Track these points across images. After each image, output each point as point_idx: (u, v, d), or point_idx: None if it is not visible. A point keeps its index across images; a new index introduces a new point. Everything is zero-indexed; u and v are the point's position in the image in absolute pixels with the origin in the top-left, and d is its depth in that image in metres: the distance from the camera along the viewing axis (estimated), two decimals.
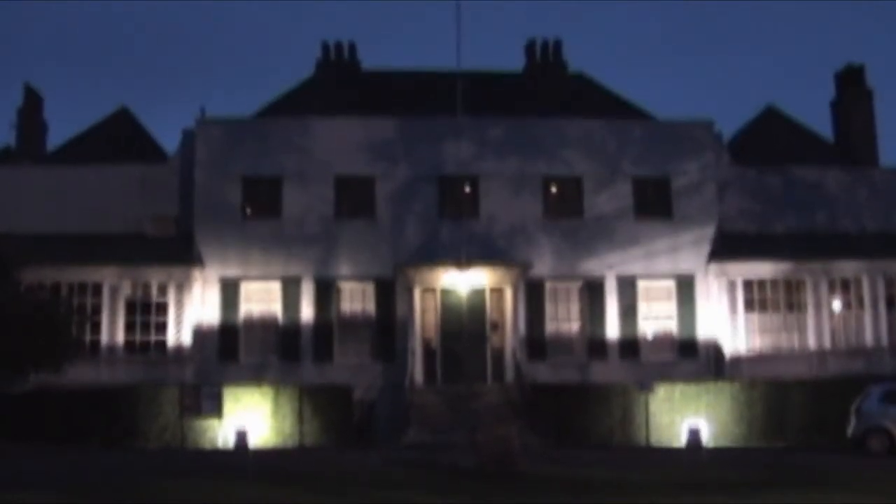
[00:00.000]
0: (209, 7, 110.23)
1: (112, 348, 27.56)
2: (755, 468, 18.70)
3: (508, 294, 28.44)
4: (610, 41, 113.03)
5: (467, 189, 29.35)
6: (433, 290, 28.63)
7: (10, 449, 22.55)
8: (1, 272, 23.41)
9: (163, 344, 27.86)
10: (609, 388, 25.82)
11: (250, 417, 24.51)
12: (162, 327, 27.95)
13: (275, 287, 28.64)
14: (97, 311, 27.56)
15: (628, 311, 28.96)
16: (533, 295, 28.75)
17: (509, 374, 27.70)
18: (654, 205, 29.66)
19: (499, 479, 16.50)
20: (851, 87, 34.47)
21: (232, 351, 28.21)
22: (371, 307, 28.72)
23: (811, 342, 28.64)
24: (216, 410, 24.51)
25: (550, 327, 28.89)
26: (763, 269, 28.88)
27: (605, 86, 35.49)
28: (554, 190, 29.73)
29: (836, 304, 29.00)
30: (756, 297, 28.86)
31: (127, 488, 15.58)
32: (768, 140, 34.13)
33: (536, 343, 28.59)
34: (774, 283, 28.95)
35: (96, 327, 27.48)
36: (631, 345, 28.83)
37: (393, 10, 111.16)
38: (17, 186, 29.46)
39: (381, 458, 20.69)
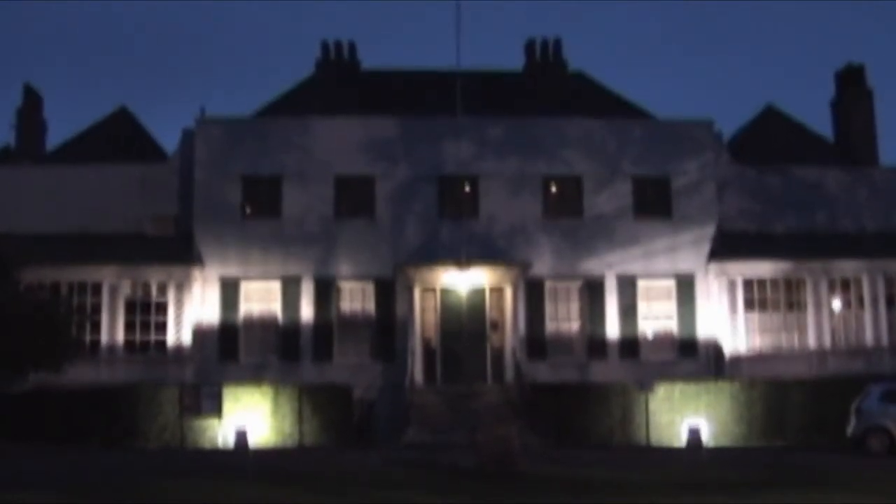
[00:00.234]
0: (209, 7, 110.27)
1: (112, 348, 27.56)
2: (755, 468, 18.70)
3: (508, 294, 28.44)
4: (610, 41, 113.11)
5: (467, 189, 29.34)
6: (433, 290, 28.63)
7: (9, 449, 22.56)
8: (1, 272, 23.39)
9: (162, 343, 27.85)
10: (609, 387, 25.81)
11: (250, 417, 24.52)
12: (162, 327, 27.95)
13: (274, 287, 28.64)
14: (97, 310, 27.56)
15: (628, 311, 28.95)
16: (533, 294, 28.75)
17: (509, 374, 27.70)
18: (654, 204, 29.64)
19: (499, 479, 16.49)
20: (851, 86, 34.46)
21: (232, 350, 28.21)
22: (371, 307, 28.72)
23: (811, 342, 28.63)
24: (216, 410, 24.52)
25: (550, 327, 28.89)
26: (763, 269, 28.87)
27: (605, 85, 35.49)
28: (554, 189, 29.72)
29: (836, 304, 29.00)
30: (756, 297, 28.85)
31: (127, 488, 15.58)
32: (768, 140, 34.12)
33: (536, 343, 28.58)
34: (774, 282, 28.95)
35: (96, 327, 27.48)
36: (631, 344, 28.83)
37: (393, 10, 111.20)
38: (17, 186, 29.47)
39: (380, 457, 20.69)
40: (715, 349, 28.68)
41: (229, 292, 28.44)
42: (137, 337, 27.84)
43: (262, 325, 28.61)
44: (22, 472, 18.07)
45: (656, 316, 29.18)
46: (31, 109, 34.07)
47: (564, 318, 29.10)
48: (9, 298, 22.53)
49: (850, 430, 22.46)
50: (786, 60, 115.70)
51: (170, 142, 39.62)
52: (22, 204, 29.03)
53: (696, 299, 29.06)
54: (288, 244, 28.74)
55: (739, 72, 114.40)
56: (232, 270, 28.52)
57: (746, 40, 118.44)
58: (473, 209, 29.26)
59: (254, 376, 27.19)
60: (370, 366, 28.21)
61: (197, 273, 28.22)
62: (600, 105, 33.27)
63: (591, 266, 29.10)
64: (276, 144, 29.33)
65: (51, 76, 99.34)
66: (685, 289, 29.14)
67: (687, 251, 29.29)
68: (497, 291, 28.67)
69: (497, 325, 28.56)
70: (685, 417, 24.57)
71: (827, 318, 28.80)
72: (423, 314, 28.44)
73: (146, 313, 27.99)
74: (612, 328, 28.83)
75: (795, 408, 25.26)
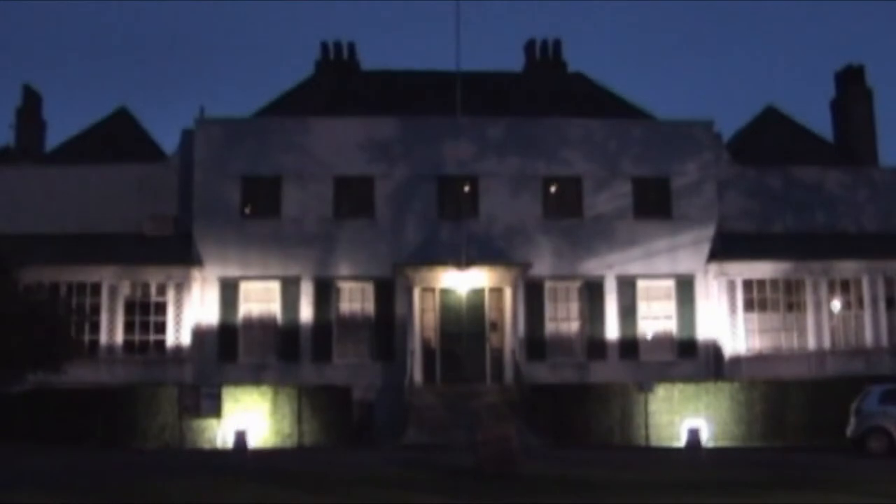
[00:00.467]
0: (209, 7, 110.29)
1: (111, 348, 27.54)
2: (755, 468, 18.68)
3: (508, 294, 28.41)
4: (610, 41, 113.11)
5: (467, 189, 29.31)
6: (432, 290, 28.60)
7: (9, 449, 22.53)
8: (0, 272, 23.36)
9: (162, 344, 27.83)
10: (608, 388, 25.81)
11: (249, 417, 24.49)
12: (161, 327, 27.93)
13: (274, 287, 28.62)
14: (96, 310, 27.54)
15: (628, 311, 28.93)
16: (532, 295, 28.73)
17: (508, 374, 27.67)
18: (654, 205, 29.62)
19: (498, 479, 16.47)
20: (851, 86, 34.47)
21: (231, 351, 28.19)
22: (370, 307, 28.70)
23: (811, 342, 28.61)
24: (215, 410, 24.50)
25: (550, 327, 28.87)
26: (763, 269, 28.85)
27: (605, 86, 35.50)
28: (553, 190, 29.69)
29: (836, 304, 28.97)
30: (756, 297, 28.83)
31: (126, 488, 15.57)
32: (768, 140, 34.11)
33: (536, 343, 28.56)
34: (774, 283, 28.93)
35: (95, 327, 27.47)
36: (630, 345, 28.80)
37: (393, 10, 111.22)
38: (17, 186, 29.46)
39: (380, 458, 20.68)
40: (714, 350, 28.67)
41: (229, 292, 28.42)
42: (136, 337, 27.83)
43: (262, 326, 28.60)
44: (21, 472, 18.05)
45: (656, 316, 29.16)
46: (30, 110, 34.10)
47: (564, 319, 29.08)
48: (8, 299, 22.49)
49: (849, 430, 22.44)
50: (786, 60, 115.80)
51: (169, 142, 39.73)
52: (21, 204, 29.04)
53: (696, 300, 29.04)
54: (287, 244, 28.71)
55: (739, 72, 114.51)
56: (231, 271, 28.51)
57: (746, 40, 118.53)
58: (473, 209, 29.24)
59: (253, 377, 27.18)
60: (369, 366, 28.20)
61: (196, 273, 28.20)
62: (600, 105, 33.27)
63: (591, 266, 29.08)
64: (275, 144, 29.30)
65: (51, 76, 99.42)
66: (685, 289, 29.12)
67: (687, 251, 29.27)
68: (496, 292, 28.64)
69: (496, 326, 28.53)
70: (685, 418, 24.55)
71: (827, 319, 28.78)
72: (423, 314, 28.41)
73: (145, 313, 27.98)
74: (612, 329, 28.81)
75: (795, 408, 25.26)
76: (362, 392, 26.60)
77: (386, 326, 28.45)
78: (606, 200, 29.51)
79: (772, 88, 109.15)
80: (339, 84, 34.49)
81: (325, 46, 35.84)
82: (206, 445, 24.65)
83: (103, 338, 27.53)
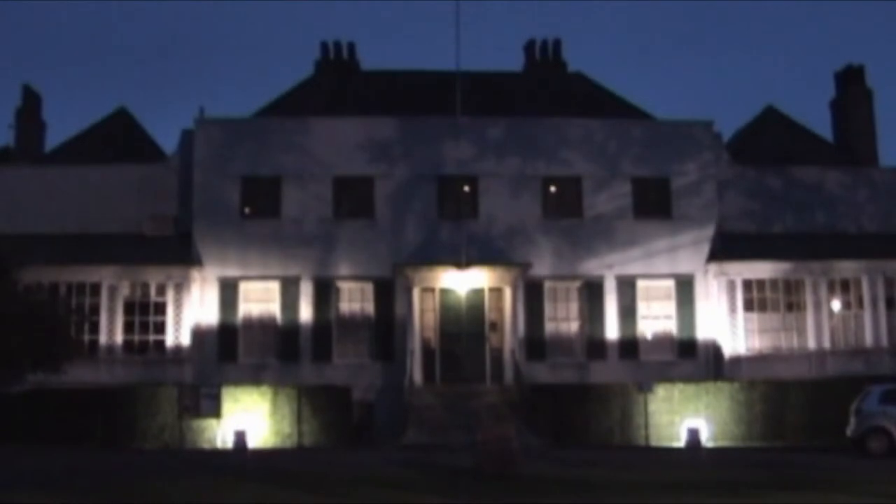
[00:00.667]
0: (209, 7, 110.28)
1: (111, 348, 27.54)
2: (754, 469, 18.68)
3: (507, 294, 28.40)
4: (610, 41, 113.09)
5: (466, 189, 29.30)
6: (432, 290, 28.60)
7: (8, 449, 22.53)
8: None
9: (161, 344, 27.82)
10: (608, 388, 25.81)
11: (249, 418, 24.47)
12: (160, 327, 27.92)
13: (273, 287, 28.62)
14: (96, 311, 27.54)
15: (628, 311, 28.92)
16: (532, 295, 28.72)
17: (508, 375, 27.66)
18: (654, 205, 29.61)
19: (498, 479, 16.47)
20: (851, 86, 34.46)
21: (230, 351, 28.18)
22: (370, 307, 28.69)
23: (811, 342, 28.61)
24: (215, 411, 24.47)
25: (549, 327, 28.86)
26: (762, 270, 28.85)
27: (605, 86, 35.46)
28: (553, 190, 29.68)
29: (836, 305, 28.97)
30: (755, 298, 28.83)
31: (125, 488, 15.57)
32: (768, 140, 34.10)
33: (535, 343, 28.55)
34: (774, 283, 28.92)
35: (95, 327, 27.46)
36: (630, 345, 28.80)
37: (393, 10, 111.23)
38: (16, 187, 29.47)
39: (380, 458, 20.68)
40: (714, 350, 28.66)
41: (228, 293, 28.42)
42: (136, 337, 27.83)
43: (261, 326, 28.59)
44: (21, 472, 18.04)
45: (656, 316, 29.16)
46: (30, 110, 34.06)
47: (564, 319, 29.08)
48: (8, 299, 22.48)
49: (849, 430, 22.42)
50: (786, 60, 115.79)
51: (169, 142, 39.65)
52: (21, 204, 29.04)
53: (696, 300, 29.03)
54: (287, 244, 28.71)
55: (739, 72, 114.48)
56: (231, 271, 28.50)
57: (746, 40, 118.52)
58: (473, 209, 29.23)
59: (253, 377, 27.17)
60: (369, 366, 28.20)
61: (196, 273, 28.20)
62: (600, 105, 33.26)
63: (591, 266, 29.07)
64: (275, 145, 29.29)
65: (50, 76, 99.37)
66: (685, 289, 29.11)
67: (686, 252, 29.26)
68: (496, 292, 28.64)
69: (496, 326, 28.53)
70: (684, 418, 24.54)
71: (826, 319, 28.77)
72: (423, 315, 28.40)
73: (145, 314, 27.97)
74: (612, 329, 28.81)
75: (795, 408, 25.27)
76: (362, 392, 26.60)
77: (386, 326, 28.44)
78: (606, 200, 29.51)
79: (772, 88, 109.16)
80: (339, 84, 34.48)
81: (325, 46, 35.84)
82: (206, 446, 24.65)
83: (103, 338, 27.53)
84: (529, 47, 36.59)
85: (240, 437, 23.60)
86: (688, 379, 26.84)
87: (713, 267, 28.91)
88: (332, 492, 15.33)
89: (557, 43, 36.39)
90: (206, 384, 25.62)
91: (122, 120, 35.09)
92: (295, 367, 27.96)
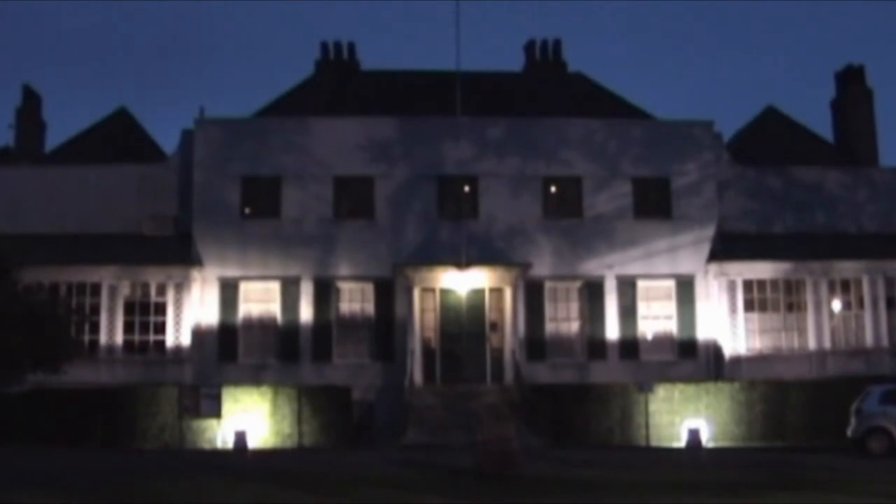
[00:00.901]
0: (209, 7, 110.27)
1: (111, 348, 27.53)
2: (755, 469, 18.67)
3: (508, 294, 28.39)
4: (610, 41, 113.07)
5: (467, 189, 29.29)
6: (432, 291, 28.59)
7: (8, 449, 22.51)
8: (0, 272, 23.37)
9: (161, 344, 27.82)
10: (608, 388, 25.80)
11: (249, 418, 24.49)
12: (160, 327, 27.91)
13: (274, 287, 28.61)
14: (96, 311, 27.53)
15: (628, 312, 28.92)
16: (532, 295, 28.71)
17: (508, 375, 27.65)
18: (654, 205, 29.61)
19: (498, 479, 16.45)
20: (851, 87, 34.46)
21: (231, 351, 28.17)
22: (370, 307, 28.69)
23: (811, 342, 28.60)
24: (215, 411, 24.46)
25: (550, 327, 28.86)
26: (763, 270, 28.84)
27: (605, 86, 35.45)
28: (553, 190, 29.68)
29: (836, 305, 28.95)
30: (756, 298, 28.82)
31: (125, 489, 15.55)
32: (768, 140, 34.09)
33: (536, 343, 28.54)
34: (774, 283, 28.92)
35: (95, 327, 27.46)
36: (630, 345, 28.79)
37: (393, 10, 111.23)
38: (16, 187, 29.48)
39: (380, 458, 20.67)
40: (715, 350, 28.65)
41: (228, 293, 28.41)
42: (136, 337, 27.82)
43: (262, 326, 28.58)
44: (21, 472, 18.03)
45: (656, 316, 29.15)
46: (30, 110, 34.08)
47: (564, 319, 29.07)
48: (8, 299, 22.48)
49: (849, 431, 22.40)
50: (786, 61, 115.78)
51: (169, 142, 39.58)
52: (21, 204, 29.05)
53: (696, 300, 29.03)
54: (287, 245, 28.70)
55: (739, 72, 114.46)
56: (231, 271, 28.49)
57: (746, 40, 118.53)
58: (473, 209, 29.22)
59: (253, 377, 27.17)
60: (369, 366, 28.20)
61: (196, 274, 28.19)
62: (600, 105, 33.24)
63: (591, 267, 29.07)
64: (275, 145, 29.29)
65: (50, 76, 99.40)
66: (685, 289, 29.11)
67: (687, 252, 29.25)
68: (496, 292, 28.63)
69: (496, 326, 28.52)
70: (685, 418, 24.56)
71: (827, 319, 28.77)
72: (423, 315, 28.40)
73: (145, 314, 27.97)
74: (612, 329, 28.80)
75: (795, 409, 25.26)
76: (362, 392, 26.59)
77: (386, 327, 28.44)
78: (606, 200, 29.50)
79: (772, 88, 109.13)
80: (339, 84, 34.47)
81: (325, 46, 35.83)
82: (206, 446, 24.63)
83: (103, 338, 27.52)
84: (529, 47, 36.59)
85: (240, 438, 23.65)
86: (688, 379, 26.84)
87: (713, 267, 28.90)
88: (332, 492, 15.32)
89: (557, 43, 36.39)
90: (206, 384, 25.62)
91: (122, 120, 35.09)
92: (295, 368, 27.95)
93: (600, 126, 30.15)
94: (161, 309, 28.02)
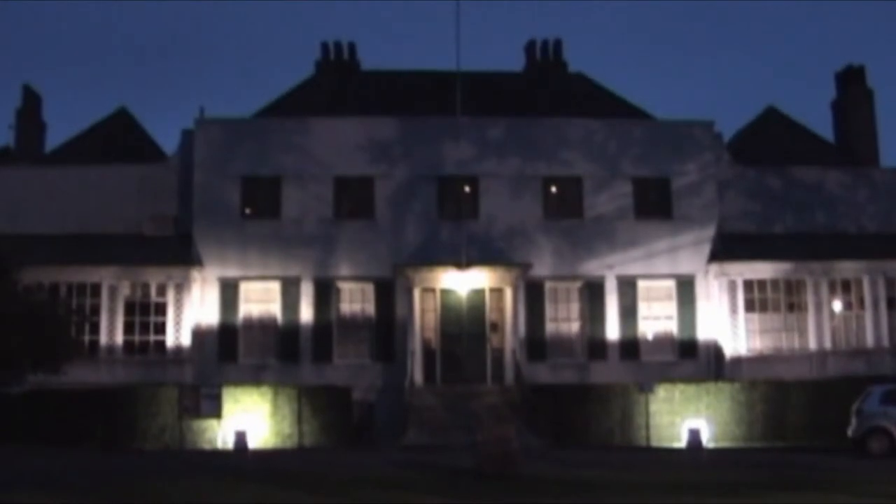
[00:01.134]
0: (209, 8, 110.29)
1: (111, 349, 27.52)
2: (755, 469, 18.65)
3: (508, 294, 28.38)
4: (610, 41, 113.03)
5: (467, 189, 29.29)
6: (433, 291, 28.58)
7: (8, 449, 22.51)
8: (0, 273, 23.35)
9: (162, 344, 27.81)
10: (609, 388, 25.79)
11: (249, 418, 24.48)
12: (161, 328, 27.90)
13: (274, 287, 28.60)
14: (96, 311, 27.52)
15: (628, 312, 28.90)
16: (533, 295, 28.70)
17: (509, 375, 27.63)
18: (655, 205, 29.60)
19: (498, 480, 16.45)
20: (852, 87, 34.44)
21: (231, 351, 28.16)
22: (370, 308, 28.68)
23: (811, 343, 28.58)
24: (215, 411, 24.46)
25: (550, 328, 28.84)
26: (763, 270, 28.82)
27: (606, 86, 35.44)
28: (554, 190, 29.67)
29: (837, 305, 28.94)
30: (756, 298, 28.81)
31: (125, 489, 15.54)
32: (769, 140, 34.08)
33: (536, 344, 28.53)
34: (775, 283, 28.90)
35: (95, 328, 27.45)
36: (631, 345, 28.78)
37: (393, 10, 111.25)
38: (16, 187, 29.47)
39: (380, 459, 20.66)
40: (715, 350, 28.64)
41: (228, 293, 28.40)
42: (136, 338, 27.81)
43: (262, 326, 28.58)
44: (21, 472, 18.02)
45: (656, 317, 29.14)
46: (30, 110, 34.06)
47: (564, 319, 29.06)
48: (8, 299, 22.47)
49: (850, 431, 22.39)
50: (786, 61, 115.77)
51: (169, 143, 39.63)
52: (21, 205, 29.04)
53: (697, 300, 29.01)
54: (287, 245, 28.69)
55: (740, 72, 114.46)
56: (231, 271, 28.49)
57: (746, 40, 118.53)
58: (473, 210, 29.22)
59: (253, 377, 27.15)
60: (370, 367, 28.18)
61: (196, 274, 28.18)
62: (600, 106, 33.23)
63: (592, 267, 29.06)
64: (275, 145, 29.29)
65: (50, 77, 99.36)
66: (685, 290, 29.10)
67: (687, 252, 29.24)
68: (497, 292, 28.62)
69: (497, 326, 28.50)
70: (685, 418, 24.55)
71: (827, 320, 28.75)
72: (423, 315, 28.38)
73: (145, 314, 27.96)
74: (613, 329, 28.78)
75: (796, 409, 25.26)
76: (362, 393, 26.57)
77: (386, 327, 28.43)
78: (607, 201, 29.49)
79: (772, 89, 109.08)
80: (339, 84, 34.47)
81: (325, 46, 35.82)
82: (207, 446, 24.62)
83: (103, 338, 27.51)
84: (530, 47, 36.57)
85: (240, 438, 23.65)
86: (689, 379, 26.82)
87: (714, 267, 28.89)
88: (332, 492, 15.31)
89: (558, 43, 36.37)
90: (206, 384, 25.61)
91: (122, 120, 35.09)
92: (295, 368, 27.94)
93: (600, 126, 30.14)
94: (161, 309, 28.01)
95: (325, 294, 28.54)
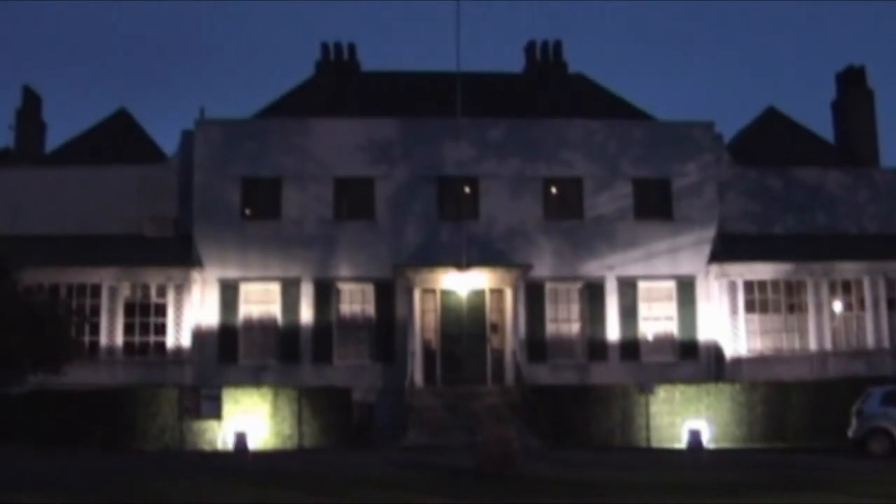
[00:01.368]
0: (209, 8, 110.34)
1: (111, 350, 27.50)
2: (756, 470, 18.65)
3: (508, 295, 28.37)
4: (610, 42, 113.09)
5: (467, 190, 29.28)
6: (433, 292, 28.57)
7: (8, 450, 22.51)
8: (0, 273, 23.35)
9: (162, 345, 27.79)
10: (609, 389, 25.78)
11: (249, 419, 24.47)
12: (161, 329, 27.88)
13: (274, 288, 28.59)
14: (96, 312, 27.50)
15: (629, 313, 28.88)
16: (533, 296, 28.68)
17: (509, 376, 27.62)
18: (655, 206, 29.58)
19: (498, 480, 16.45)
20: (852, 87, 34.42)
21: (231, 352, 28.14)
22: (370, 308, 28.66)
23: (812, 344, 28.56)
24: (215, 412, 24.45)
25: (550, 329, 28.82)
26: (764, 271, 28.81)
27: (606, 86, 35.44)
28: (554, 191, 29.66)
29: (837, 306, 28.93)
30: (757, 299, 28.79)
31: (125, 489, 15.54)
32: (769, 141, 34.07)
33: (536, 344, 28.51)
34: (775, 284, 28.88)
35: (95, 328, 27.42)
36: (631, 346, 28.76)
37: (393, 11, 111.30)
38: (16, 187, 29.46)
39: (380, 459, 20.65)
40: (716, 351, 28.62)
41: (229, 294, 28.39)
42: (136, 339, 27.79)
43: (262, 327, 28.56)
44: (21, 473, 18.02)
45: (657, 318, 29.12)
46: (30, 111, 34.05)
47: (565, 320, 29.04)
48: (8, 300, 22.47)
49: (850, 432, 22.41)
50: (786, 61, 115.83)
51: (169, 143, 39.61)
52: (21, 205, 29.03)
53: (697, 301, 28.99)
54: (287, 246, 28.68)
55: (740, 73, 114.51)
56: (231, 272, 28.47)
57: (746, 41, 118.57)
58: (473, 211, 29.21)
59: (253, 378, 27.14)
60: (370, 368, 28.16)
61: (196, 275, 28.17)
62: (601, 106, 33.23)
63: (592, 268, 29.04)
64: (275, 146, 29.28)
65: (50, 77, 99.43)
66: (686, 290, 29.08)
67: (688, 253, 29.22)
68: (497, 293, 28.60)
69: (497, 327, 28.49)
70: (686, 419, 24.54)
71: (828, 320, 28.72)
72: (423, 316, 28.37)
73: (145, 315, 27.94)
74: (613, 330, 28.77)
75: (796, 410, 25.25)
76: (363, 393, 26.56)
77: (386, 328, 28.41)
78: (607, 202, 29.48)
79: (773, 89, 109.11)
80: (339, 85, 34.47)
81: (325, 47, 35.81)
82: (207, 447, 24.62)
83: (103, 339, 27.49)
84: (530, 48, 36.56)
85: (240, 439, 23.64)
86: (689, 380, 26.81)
87: (714, 268, 28.87)
88: (332, 493, 15.31)
89: (558, 44, 36.35)
90: (206, 385, 25.59)
91: (122, 120, 35.09)
92: (295, 369, 27.93)
93: (601, 127, 30.13)
94: (161, 310, 27.99)
95: (326, 295, 28.53)
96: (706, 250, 29.20)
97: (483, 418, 23.99)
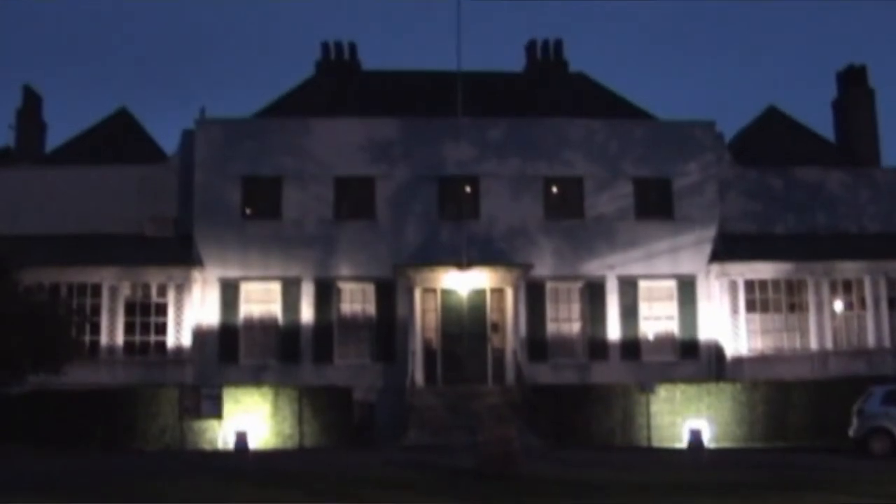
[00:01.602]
0: (209, 7, 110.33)
1: (111, 349, 27.49)
2: (756, 470, 18.63)
3: (509, 295, 28.35)
4: (610, 41, 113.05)
5: (468, 189, 29.27)
6: (434, 291, 28.55)
7: (8, 450, 22.51)
8: (0, 273, 23.34)
9: (162, 345, 27.78)
10: (610, 388, 25.76)
11: (250, 419, 24.46)
12: (161, 328, 27.88)
13: (274, 288, 28.58)
14: (96, 312, 27.50)
15: (629, 312, 28.87)
16: (534, 296, 28.67)
17: (510, 375, 27.61)
18: (656, 205, 29.57)
19: (499, 480, 16.43)
20: (853, 87, 34.41)
21: (231, 352, 28.14)
22: (371, 308, 28.65)
23: (813, 343, 28.55)
24: (216, 412, 24.43)
25: (551, 328, 28.81)
26: (764, 270, 28.79)
27: (606, 86, 35.42)
28: (555, 190, 29.64)
29: (838, 305, 28.91)
30: (757, 298, 28.77)
31: (126, 490, 15.52)
32: (770, 140, 34.06)
33: (537, 344, 28.50)
34: (776, 283, 28.87)
35: (95, 328, 27.42)
36: (632, 345, 28.75)
37: (393, 10, 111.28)
38: (17, 187, 29.46)
39: (381, 459, 20.64)
40: (716, 350, 28.61)
41: (229, 294, 28.38)
42: (137, 338, 27.78)
43: (262, 327, 28.55)
44: (21, 473, 18.02)
45: (657, 317, 29.11)
46: (30, 110, 34.04)
47: (565, 320, 29.03)
48: (8, 299, 22.47)
49: (851, 431, 22.40)
50: (787, 61, 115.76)
51: (169, 143, 39.57)
52: (21, 205, 29.03)
53: (698, 300, 28.98)
54: (288, 245, 28.68)
55: (740, 72, 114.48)
56: (232, 272, 28.47)
57: (747, 40, 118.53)
58: (474, 210, 29.19)
59: (254, 378, 27.14)
60: (370, 367, 28.16)
61: (197, 274, 28.16)
62: (601, 106, 33.21)
63: (593, 267, 29.03)
64: (275, 145, 29.27)
65: (51, 77, 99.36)
66: (686, 290, 29.07)
67: (688, 252, 29.21)
68: (498, 292, 28.59)
69: (498, 327, 28.48)
70: (686, 419, 24.51)
71: (828, 320, 28.71)
72: (424, 315, 28.36)
73: (146, 315, 27.93)
74: (614, 329, 28.76)
75: (797, 409, 25.23)
76: (363, 393, 26.56)
77: (387, 327, 28.40)
78: (608, 201, 29.47)
79: (773, 89, 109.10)
80: (339, 85, 34.46)
81: (325, 47, 35.80)
82: (207, 447, 24.61)
83: (104, 339, 27.49)
84: (530, 47, 36.55)
85: (241, 438, 23.61)
86: (690, 380, 26.79)
87: (715, 267, 28.86)
88: (332, 493, 15.29)
89: (559, 43, 36.34)
90: (206, 385, 25.57)
91: (123, 120, 35.09)
92: (296, 368, 27.93)
93: (601, 126, 30.12)
94: (162, 310, 27.98)
95: (326, 294, 28.53)
96: (707, 250, 29.18)
97: (484, 418, 23.97)
